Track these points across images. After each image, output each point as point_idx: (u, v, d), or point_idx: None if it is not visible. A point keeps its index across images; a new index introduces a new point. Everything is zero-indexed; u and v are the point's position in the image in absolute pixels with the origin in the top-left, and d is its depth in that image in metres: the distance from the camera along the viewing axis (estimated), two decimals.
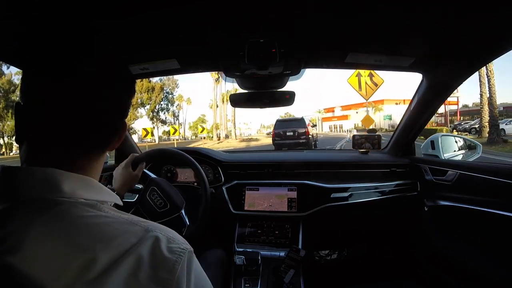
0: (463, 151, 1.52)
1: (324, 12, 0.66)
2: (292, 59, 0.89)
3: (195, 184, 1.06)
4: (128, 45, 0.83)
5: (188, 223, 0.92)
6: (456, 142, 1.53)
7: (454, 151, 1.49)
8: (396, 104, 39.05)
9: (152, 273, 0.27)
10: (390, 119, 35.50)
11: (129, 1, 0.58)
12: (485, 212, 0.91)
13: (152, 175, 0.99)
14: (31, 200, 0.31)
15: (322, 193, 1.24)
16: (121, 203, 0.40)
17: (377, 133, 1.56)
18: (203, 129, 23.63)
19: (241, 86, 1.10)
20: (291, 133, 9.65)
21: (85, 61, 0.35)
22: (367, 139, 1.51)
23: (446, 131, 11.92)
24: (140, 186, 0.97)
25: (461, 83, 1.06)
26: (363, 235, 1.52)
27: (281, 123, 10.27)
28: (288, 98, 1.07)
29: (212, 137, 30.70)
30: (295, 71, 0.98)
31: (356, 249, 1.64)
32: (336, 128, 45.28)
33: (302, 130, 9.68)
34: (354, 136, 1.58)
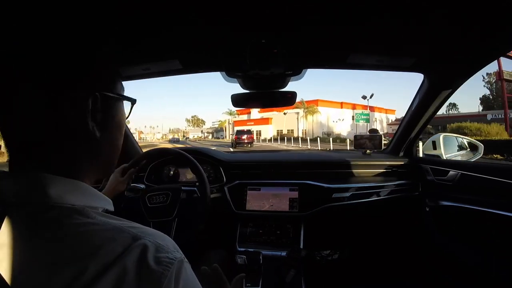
0: (464, 151, 1.52)
1: (325, 13, 0.67)
2: (294, 60, 0.89)
3: (197, 183, 1.06)
4: (131, 46, 0.83)
5: (173, 235, 0.93)
6: (457, 142, 1.53)
7: (456, 151, 1.49)
8: (352, 105, 29.51)
9: (137, 287, 0.26)
10: (368, 121, 23.63)
11: (130, 2, 0.59)
12: (487, 212, 0.91)
13: (141, 186, 1.02)
14: (19, 206, 0.29)
15: (323, 193, 1.24)
16: (112, 208, 0.38)
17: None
18: None
19: (243, 86, 1.10)
20: (244, 137, 19.83)
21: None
22: (368, 139, 1.51)
23: None
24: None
25: (463, 83, 1.06)
26: (364, 235, 1.52)
27: (239, 131, 21.02)
28: (290, 98, 1.08)
29: None
30: (296, 71, 0.98)
31: (357, 249, 1.64)
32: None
33: (250, 135, 20.28)
34: (356, 136, 1.58)
